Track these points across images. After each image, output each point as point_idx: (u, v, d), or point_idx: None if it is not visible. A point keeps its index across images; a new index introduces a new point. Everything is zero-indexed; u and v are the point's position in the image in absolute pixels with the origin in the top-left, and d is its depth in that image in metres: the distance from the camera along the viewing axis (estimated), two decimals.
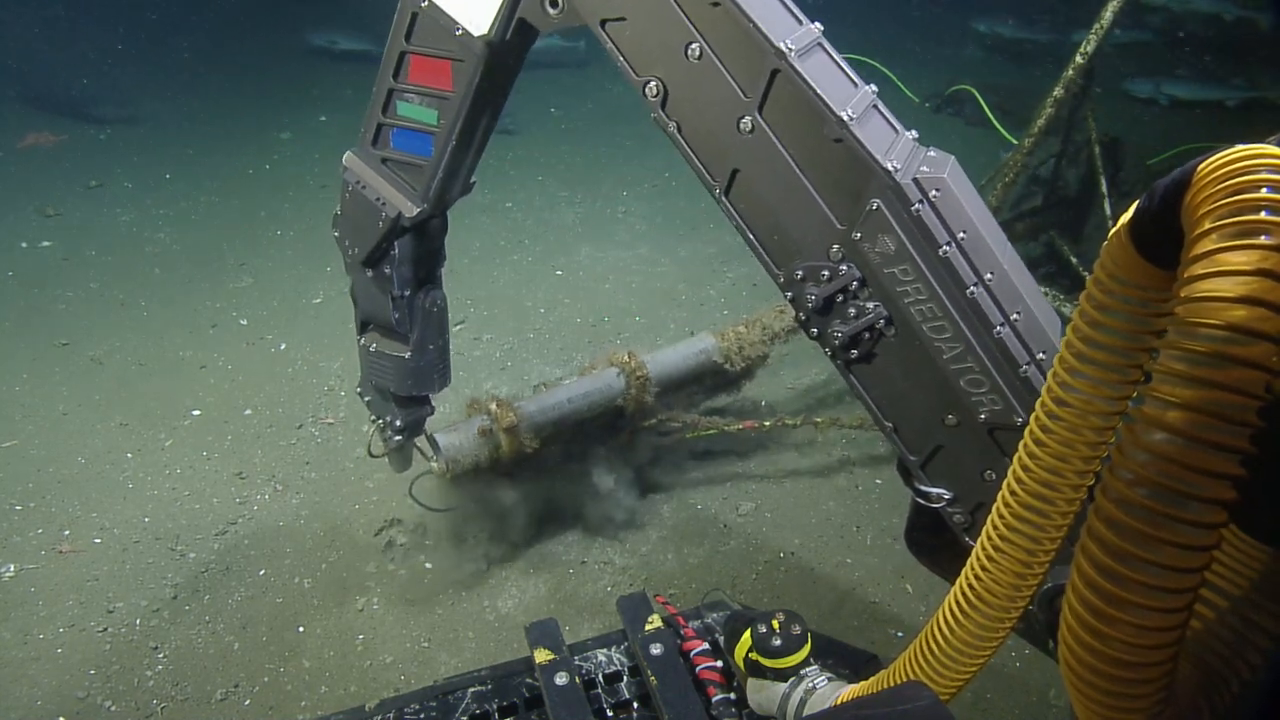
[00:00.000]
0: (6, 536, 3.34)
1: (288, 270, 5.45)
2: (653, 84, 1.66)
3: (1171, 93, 7.33)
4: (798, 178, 1.58)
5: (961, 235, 1.52)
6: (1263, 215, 0.80)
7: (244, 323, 4.87)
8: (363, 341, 2.54)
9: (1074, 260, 4.91)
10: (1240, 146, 0.86)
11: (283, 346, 4.64)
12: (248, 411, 4.11)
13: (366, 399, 2.73)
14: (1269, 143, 0.85)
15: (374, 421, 2.76)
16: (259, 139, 7.61)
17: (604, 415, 3.39)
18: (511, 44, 1.89)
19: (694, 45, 1.58)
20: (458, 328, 4.66)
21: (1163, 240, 0.94)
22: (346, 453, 3.83)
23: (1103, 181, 4.86)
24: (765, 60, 1.52)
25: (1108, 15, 4.41)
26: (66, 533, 3.37)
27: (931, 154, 1.62)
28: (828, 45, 1.63)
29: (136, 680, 2.80)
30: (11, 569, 3.20)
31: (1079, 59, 4.53)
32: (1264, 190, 0.81)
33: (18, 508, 3.49)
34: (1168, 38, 8.51)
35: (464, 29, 1.85)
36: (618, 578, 3.21)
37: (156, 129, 7.78)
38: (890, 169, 1.49)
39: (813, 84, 1.51)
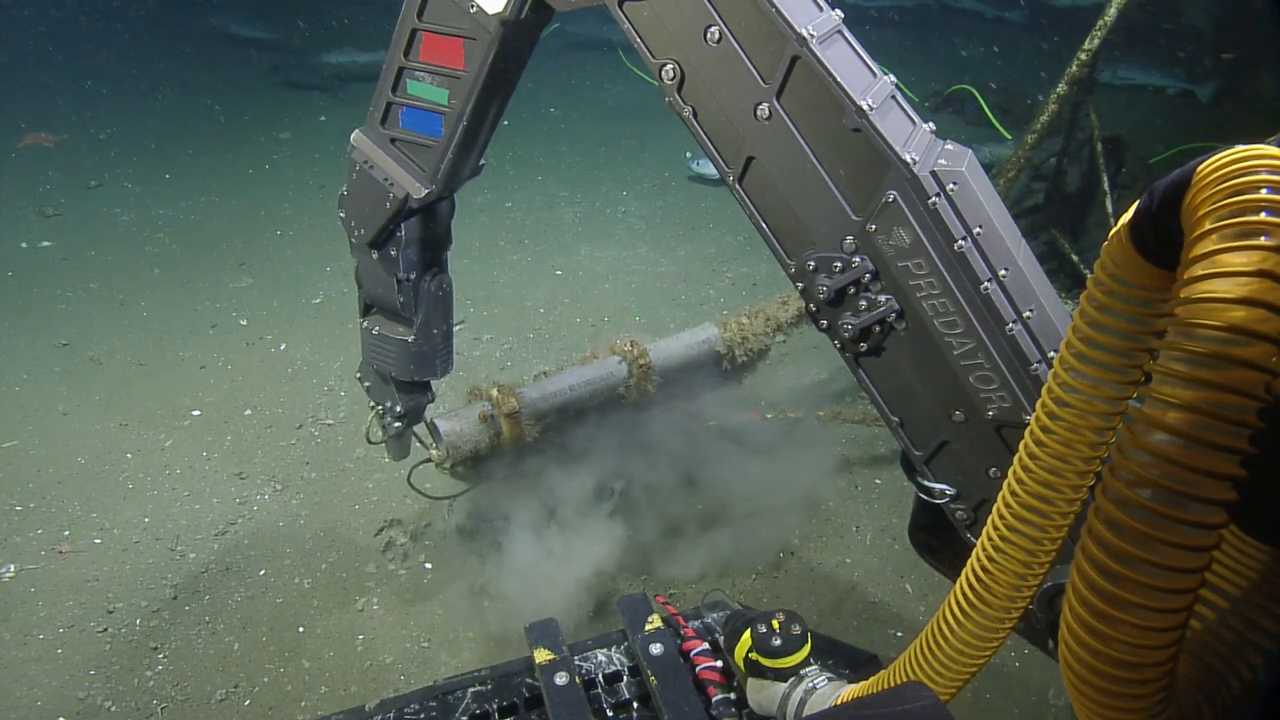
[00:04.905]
0: (6, 537, 3.34)
1: (287, 270, 5.45)
2: (670, 67, 1.64)
3: (1127, 77, 7.43)
4: (814, 167, 1.57)
5: (978, 230, 1.51)
6: (1263, 216, 0.80)
7: (244, 323, 4.87)
8: (365, 324, 2.52)
9: (1075, 258, 4.91)
10: (1240, 147, 0.85)
11: (282, 346, 4.64)
12: (247, 412, 4.10)
13: (366, 384, 2.70)
14: (1269, 143, 0.85)
15: (373, 408, 2.74)
16: (259, 139, 7.60)
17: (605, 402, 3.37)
18: (527, 23, 1.86)
19: (713, 29, 1.56)
20: (457, 328, 4.66)
21: (1163, 241, 0.94)
22: (346, 453, 3.82)
23: (1104, 179, 4.86)
24: (786, 46, 1.51)
25: (1112, 12, 4.41)
26: (66, 533, 3.37)
27: (949, 147, 1.60)
28: (848, 33, 1.62)
29: (136, 681, 2.80)
30: (11, 569, 3.20)
31: (1082, 55, 4.52)
32: (1264, 191, 0.81)
33: (17, 508, 3.48)
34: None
35: (478, 6, 1.82)
36: (617, 577, 3.20)
37: (156, 129, 7.78)
38: (909, 160, 1.48)
39: (833, 72, 1.49)
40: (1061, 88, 4.60)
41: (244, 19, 9.79)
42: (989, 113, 5.97)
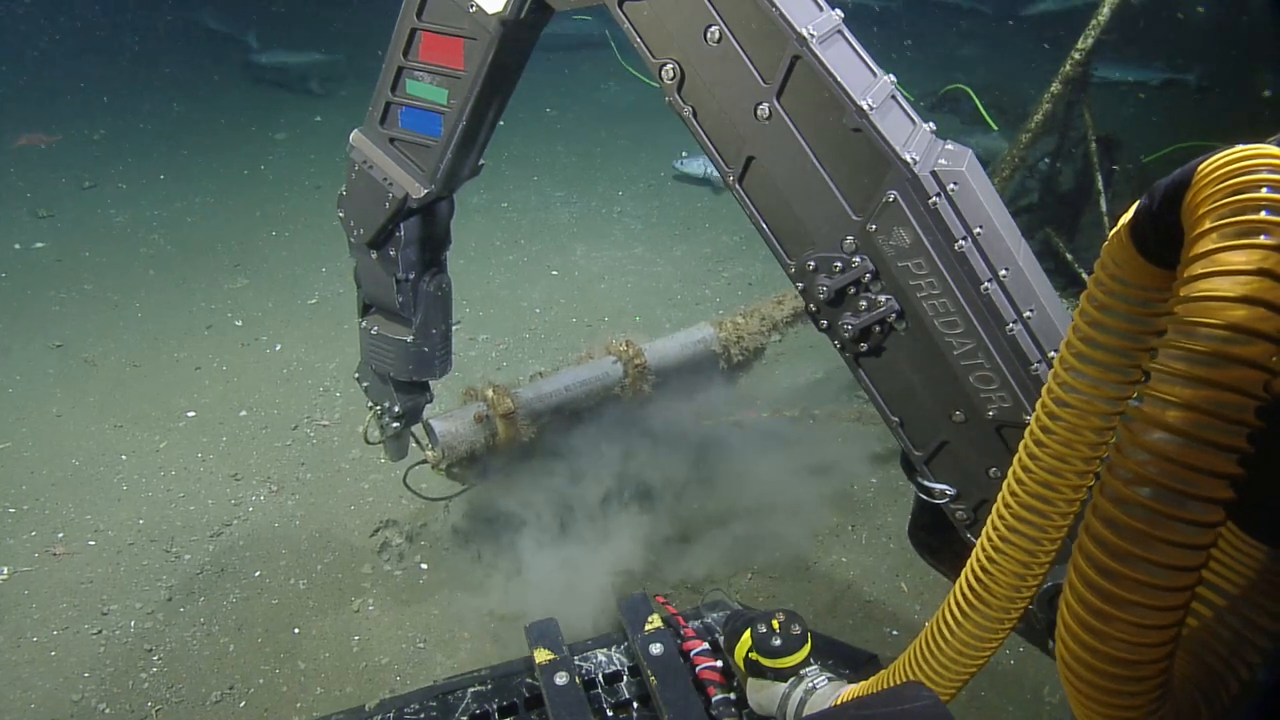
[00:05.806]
0: (0, 539, 3.32)
1: (283, 271, 5.44)
2: (670, 67, 1.64)
3: (1105, 74, 7.52)
4: (814, 167, 1.57)
5: (978, 230, 1.51)
6: (1263, 215, 0.80)
7: (239, 324, 4.85)
8: (364, 324, 2.51)
9: (1069, 256, 4.93)
10: (1240, 146, 0.86)
11: (278, 347, 4.63)
12: (243, 413, 4.09)
13: (365, 384, 2.70)
14: (1269, 143, 0.85)
15: (371, 408, 2.74)
16: (254, 140, 7.57)
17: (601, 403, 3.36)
18: (526, 23, 1.85)
19: (714, 28, 1.56)
20: (453, 328, 4.66)
21: (1163, 240, 0.94)
22: (342, 454, 3.81)
23: (1098, 178, 4.87)
24: (786, 46, 1.51)
25: (1105, 12, 4.42)
26: (60, 535, 3.35)
27: (949, 147, 1.60)
28: (847, 32, 1.62)
29: (131, 683, 2.78)
30: (5, 572, 3.18)
31: (1075, 55, 4.54)
32: (1264, 190, 0.81)
33: (11, 510, 3.47)
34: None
35: (478, 6, 1.82)
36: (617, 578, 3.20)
37: (151, 130, 7.75)
38: (910, 160, 1.48)
39: (834, 72, 1.49)
40: (1055, 87, 4.62)
41: (219, 14, 9.72)
42: (984, 112, 5.99)
